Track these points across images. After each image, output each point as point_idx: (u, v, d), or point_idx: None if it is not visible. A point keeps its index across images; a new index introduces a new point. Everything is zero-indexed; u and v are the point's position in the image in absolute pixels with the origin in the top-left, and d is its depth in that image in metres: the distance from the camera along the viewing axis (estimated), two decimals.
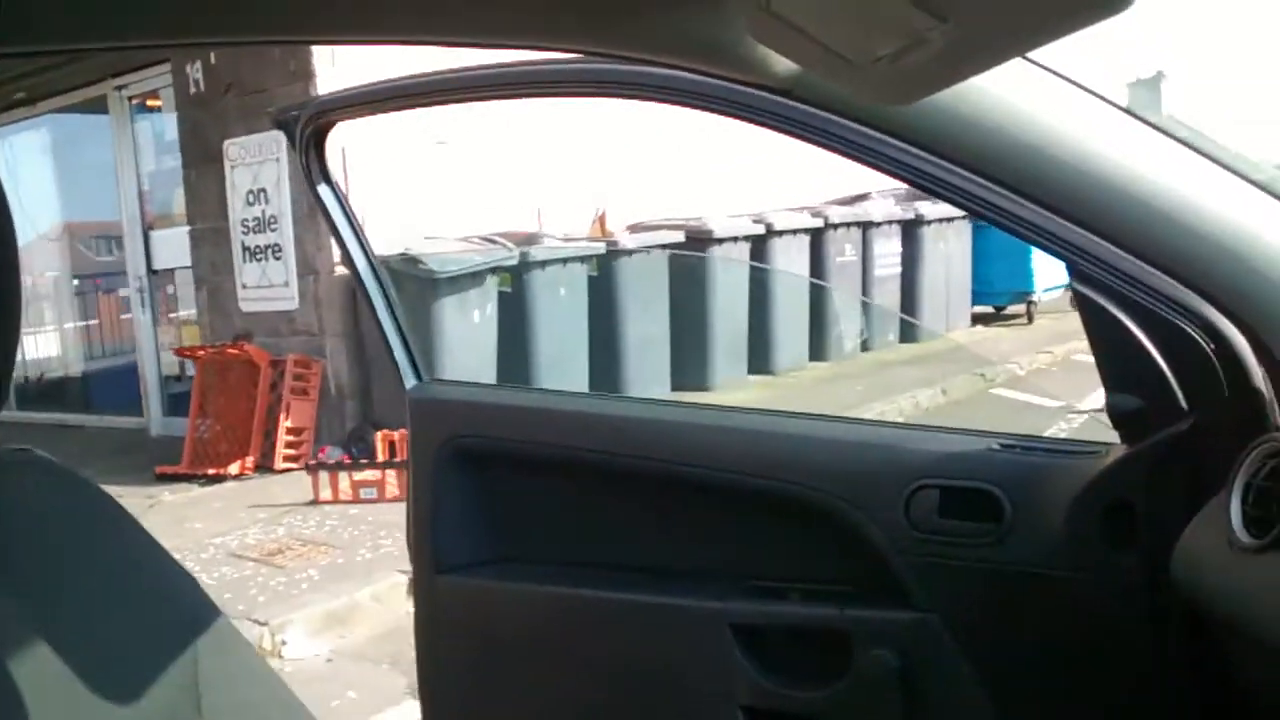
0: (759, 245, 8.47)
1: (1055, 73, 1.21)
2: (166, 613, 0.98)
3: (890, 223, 9.67)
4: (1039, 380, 8.48)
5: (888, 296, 9.75)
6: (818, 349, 9.11)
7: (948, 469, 1.52)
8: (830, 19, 0.76)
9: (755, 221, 8.41)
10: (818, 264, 9.03)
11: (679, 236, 7.78)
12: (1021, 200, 1.24)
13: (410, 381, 1.90)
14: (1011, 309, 11.19)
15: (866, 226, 9.45)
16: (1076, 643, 1.43)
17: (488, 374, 6.61)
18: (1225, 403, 1.27)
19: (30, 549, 0.93)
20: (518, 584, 1.78)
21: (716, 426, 1.75)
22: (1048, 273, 10.87)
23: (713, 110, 1.37)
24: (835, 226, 9.09)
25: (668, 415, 1.85)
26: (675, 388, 7.90)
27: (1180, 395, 1.31)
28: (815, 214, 8.95)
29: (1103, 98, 1.24)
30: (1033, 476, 1.47)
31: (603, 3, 0.94)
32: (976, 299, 11.04)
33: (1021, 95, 1.20)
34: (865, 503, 1.54)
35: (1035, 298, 10.85)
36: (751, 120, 1.34)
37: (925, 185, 1.31)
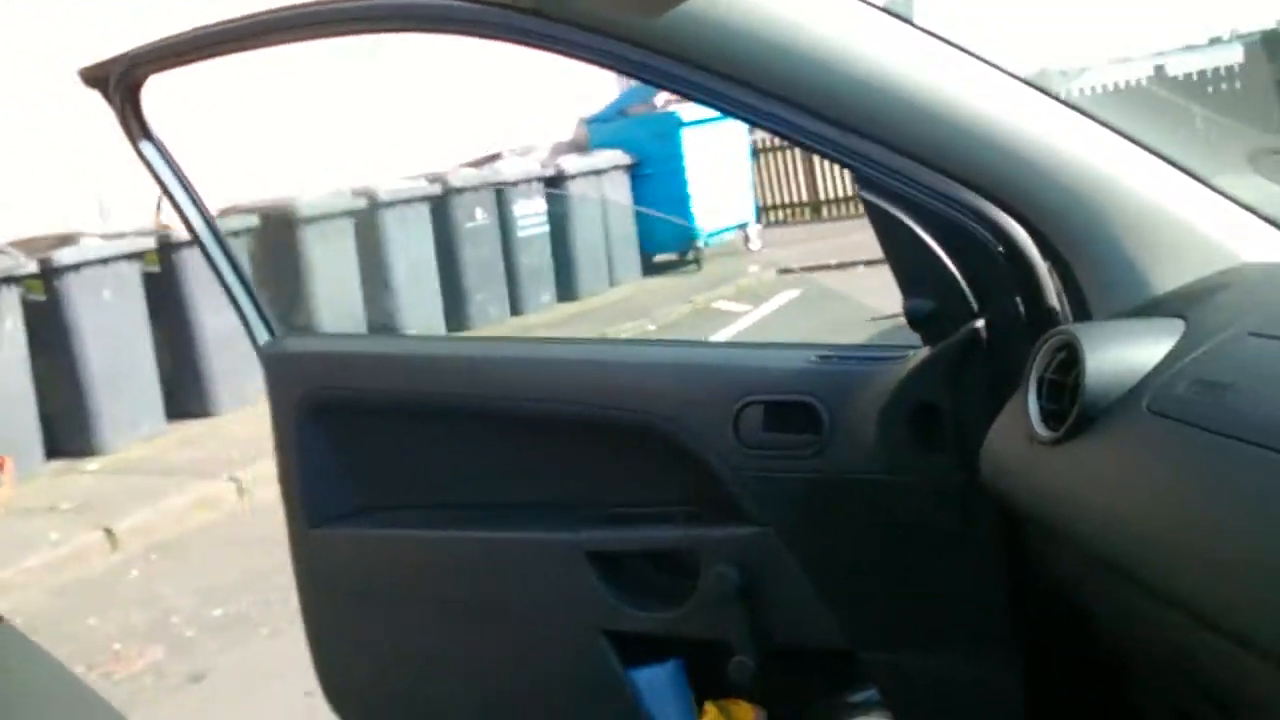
0: (366, 218, 8.07)
1: None
2: None
3: (528, 181, 9.41)
4: (667, 334, 8.40)
5: (535, 257, 9.51)
6: (456, 319, 8.82)
7: (771, 384, 1.56)
8: None
9: (356, 194, 8.00)
10: (443, 232, 8.69)
11: (254, 220, 7.29)
12: (793, 109, 1.27)
13: (263, 337, 1.86)
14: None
15: (501, 188, 9.15)
16: (899, 544, 1.47)
17: (19, 397, 6.09)
18: (1015, 301, 1.30)
19: None
20: (386, 530, 1.81)
21: (562, 359, 1.80)
22: (710, 217, 10.86)
23: (466, 34, 1.39)
24: (460, 191, 8.76)
25: (514, 352, 1.88)
26: None
27: (971, 296, 1.31)
28: (434, 180, 8.60)
29: (872, 5, 1.25)
30: (848, 385, 1.49)
31: None
32: (649, 247, 10.95)
33: (782, 4, 1.22)
34: (698, 424, 1.57)
35: (700, 243, 10.81)
36: (505, 39, 1.36)
37: (697, 98, 1.31)
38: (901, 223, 1.31)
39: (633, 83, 11.25)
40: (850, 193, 13.93)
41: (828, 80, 1.23)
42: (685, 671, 1.68)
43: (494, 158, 9.40)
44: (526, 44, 1.34)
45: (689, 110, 10.74)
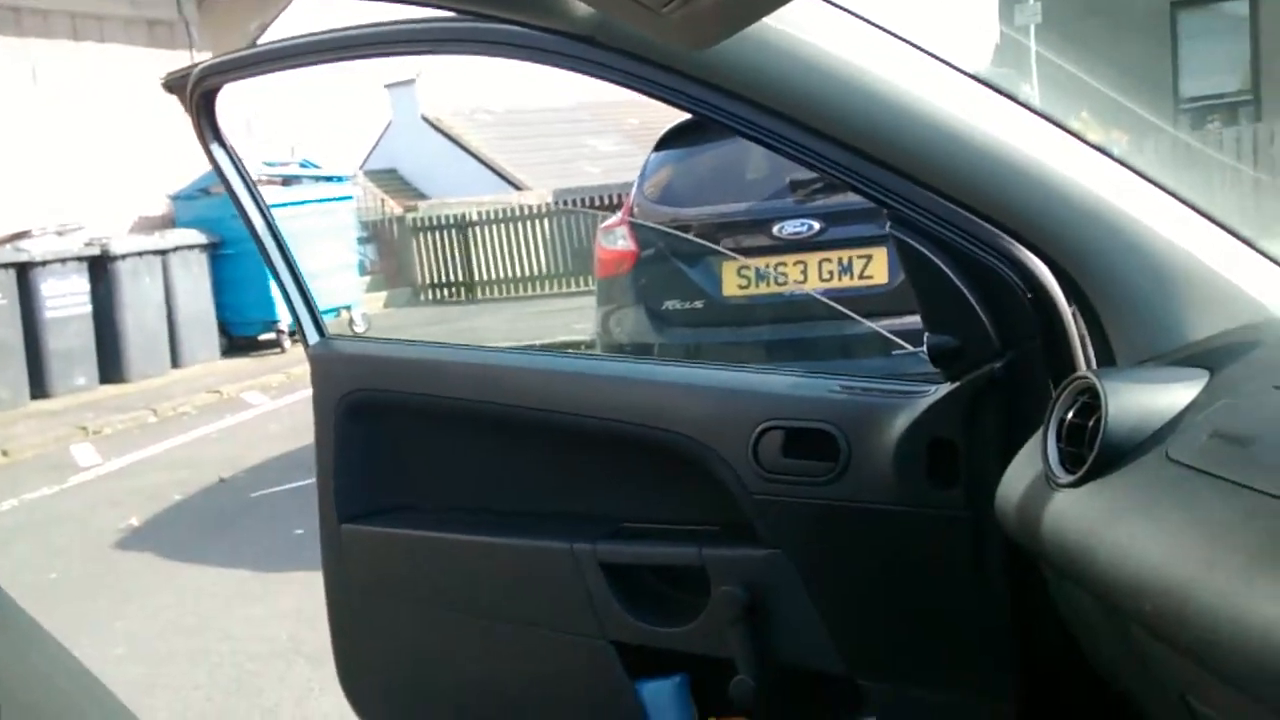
0: None
1: (859, 16, 1.25)
2: None
3: (61, 260, 9.16)
4: (162, 427, 8.21)
5: (69, 339, 9.25)
6: None
7: (792, 410, 1.57)
8: None
9: None
10: None
11: None
12: (831, 144, 1.29)
13: (312, 337, 1.95)
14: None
15: (25, 267, 8.89)
16: (907, 575, 1.49)
17: None
18: (1037, 342, 1.31)
19: None
20: (412, 530, 1.87)
21: (591, 374, 1.83)
22: None
23: (521, 58, 1.41)
24: None
25: (546, 365, 1.91)
26: None
27: (994, 335, 1.32)
28: None
29: (911, 42, 1.26)
30: (867, 415, 1.50)
31: None
32: (233, 328, 10.80)
33: (824, 41, 1.24)
34: (718, 444, 1.59)
35: (283, 326, 10.68)
36: (558, 65, 1.38)
37: (740, 130, 1.32)
38: (929, 260, 1.32)
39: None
40: (503, 275, 14.03)
41: (866, 117, 1.25)
42: (690, 687, 1.71)
43: (22, 234, 9.13)
44: (579, 70, 1.38)
45: (273, 193, 10.68)
